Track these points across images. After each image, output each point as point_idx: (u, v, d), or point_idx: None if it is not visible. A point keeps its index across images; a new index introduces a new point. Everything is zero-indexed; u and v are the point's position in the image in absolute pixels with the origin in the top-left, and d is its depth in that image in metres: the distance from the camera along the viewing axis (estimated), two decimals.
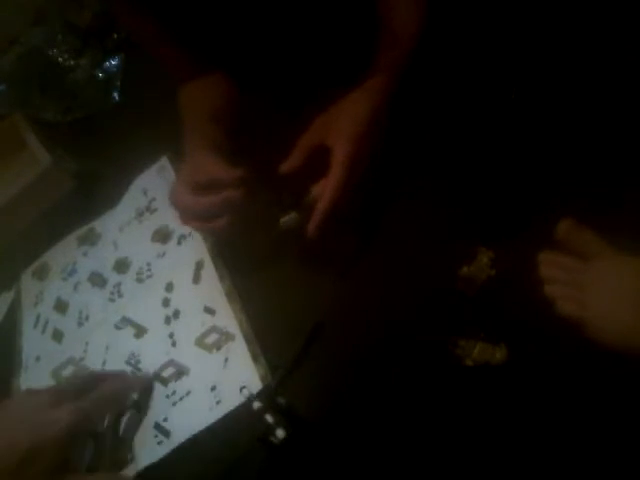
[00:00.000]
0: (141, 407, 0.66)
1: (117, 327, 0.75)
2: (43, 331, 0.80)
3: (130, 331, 0.74)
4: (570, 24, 0.72)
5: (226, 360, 0.65)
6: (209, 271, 0.72)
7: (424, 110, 0.74)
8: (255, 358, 0.63)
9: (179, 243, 0.78)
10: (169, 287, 0.74)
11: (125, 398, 0.66)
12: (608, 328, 0.49)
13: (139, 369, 0.70)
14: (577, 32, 0.71)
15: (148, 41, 0.82)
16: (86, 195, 0.92)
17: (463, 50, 0.75)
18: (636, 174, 0.59)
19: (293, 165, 0.66)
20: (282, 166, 0.66)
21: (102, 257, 0.83)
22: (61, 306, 0.82)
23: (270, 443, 0.55)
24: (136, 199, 0.86)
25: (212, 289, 0.71)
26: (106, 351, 0.74)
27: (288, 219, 0.65)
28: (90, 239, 0.86)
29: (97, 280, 0.80)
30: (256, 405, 0.58)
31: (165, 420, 0.64)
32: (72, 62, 1.06)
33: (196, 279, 0.73)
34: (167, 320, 0.72)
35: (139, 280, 0.77)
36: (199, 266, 0.73)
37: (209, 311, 0.69)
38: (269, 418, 0.56)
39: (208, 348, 0.66)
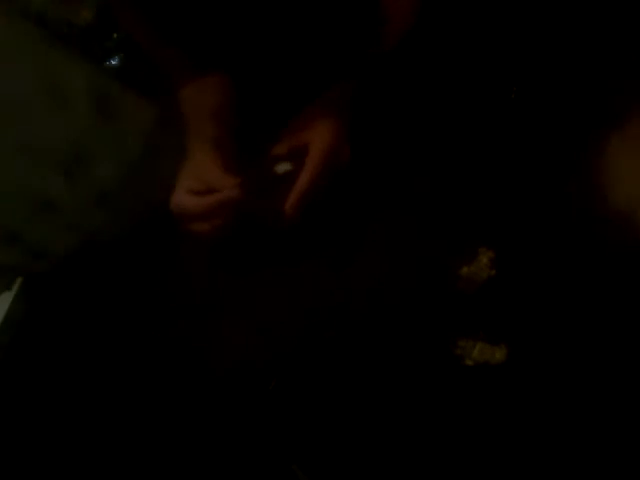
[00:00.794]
0: None
1: None
2: None
3: None
4: (570, 24, 0.72)
5: None
6: None
7: (424, 110, 0.74)
8: None
9: None
10: None
11: None
12: None
13: None
14: (577, 32, 0.71)
15: (147, 43, 0.82)
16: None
17: (463, 50, 0.75)
18: None
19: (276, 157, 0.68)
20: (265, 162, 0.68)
21: None
22: None
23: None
24: None
25: None
26: None
27: (282, 166, 0.67)
28: None
29: None
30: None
31: None
32: None
33: None
34: None
35: None
36: None
37: None
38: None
39: None
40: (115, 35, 1.09)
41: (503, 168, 0.66)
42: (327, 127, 0.68)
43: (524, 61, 0.72)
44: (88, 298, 0.79)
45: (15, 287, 0.88)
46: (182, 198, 0.68)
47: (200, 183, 0.68)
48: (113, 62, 1.07)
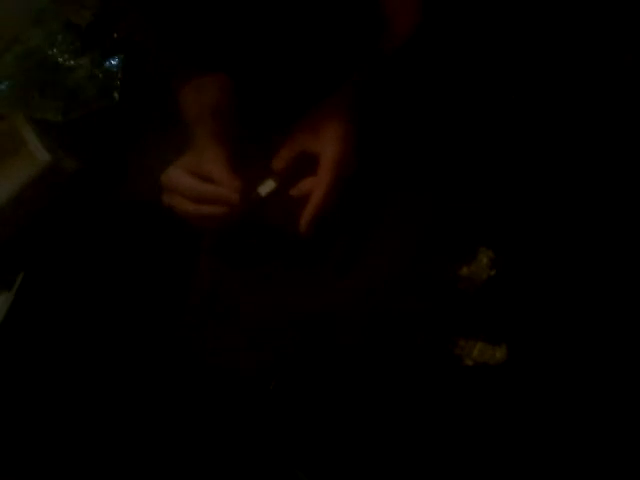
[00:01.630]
0: None
1: None
2: None
3: None
4: (570, 24, 0.72)
5: None
6: None
7: (424, 110, 0.74)
8: None
9: None
10: None
11: None
12: None
13: None
14: (577, 32, 0.71)
15: (148, 42, 0.82)
16: (85, 197, 0.91)
17: (463, 50, 0.75)
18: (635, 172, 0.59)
19: (278, 168, 0.68)
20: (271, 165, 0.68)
21: None
22: None
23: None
24: None
25: None
26: None
27: (265, 186, 0.66)
28: None
29: None
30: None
31: None
32: (72, 62, 1.06)
33: None
34: None
35: None
36: None
37: None
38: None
39: None
40: (115, 35, 1.09)
41: (503, 168, 0.66)
42: (337, 136, 0.66)
43: (524, 62, 0.72)
44: (87, 298, 0.79)
45: (15, 287, 0.88)
46: (177, 173, 0.67)
47: (200, 169, 0.67)
48: (113, 62, 1.07)
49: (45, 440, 0.61)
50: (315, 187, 0.65)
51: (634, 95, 0.64)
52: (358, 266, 0.67)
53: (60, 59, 1.06)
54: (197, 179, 0.66)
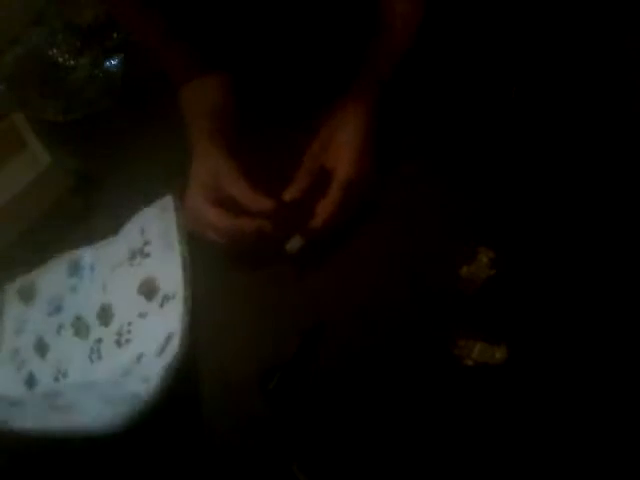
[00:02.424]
0: None
1: None
2: (18, 369, 0.77)
3: None
4: (570, 23, 0.72)
5: None
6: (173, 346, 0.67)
7: (424, 109, 0.74)
8: None
9: (161, 305, 0.73)
10: (139, 357, 0.70)
11: None
12: None
13: None
14: (577, 31, 0.71)
15: (147, 42, 0.82)
16: (85, 197, 0.91)
17: (463, 49, 0.75)
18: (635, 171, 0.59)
19: (299, 189, 0.66)
20: (287, 192, 0.66)
21: (90, 297, 0.79)
22: (42, 348, 0.78)
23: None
24: (132, 238, 0.80)
25: None
26: None
27: (293, 243, 0.65)
28: (81, 271, 0.82)
29: (81, 328, 0.77)
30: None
31: None
32: (72, 62, 1.06)
33: (161, 352, 0.67)
34: None
35: (117, 343, 0.73)
36: (168, 339, 0.68)
37: None
38: None
39: None
40: (115, 35, 1.09)
41: (503, 168, 0.66)
42: (353, 158, 0.64)
43: (524, 60, 0.72)
44: None
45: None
46: (202, 207, 0.65)
47: (220, 193, 0.65)
48: (113, 62, 1.07)
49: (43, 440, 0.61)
50: (320, 210, 0.63)
51: (635, 88, 0.64)
52: (357, 266, 0.67)
53: (60, 59, 1.06)
54: (224, 212, 0.63)
